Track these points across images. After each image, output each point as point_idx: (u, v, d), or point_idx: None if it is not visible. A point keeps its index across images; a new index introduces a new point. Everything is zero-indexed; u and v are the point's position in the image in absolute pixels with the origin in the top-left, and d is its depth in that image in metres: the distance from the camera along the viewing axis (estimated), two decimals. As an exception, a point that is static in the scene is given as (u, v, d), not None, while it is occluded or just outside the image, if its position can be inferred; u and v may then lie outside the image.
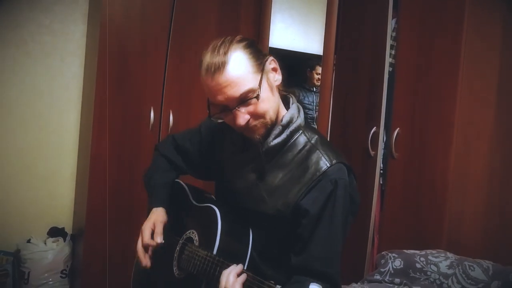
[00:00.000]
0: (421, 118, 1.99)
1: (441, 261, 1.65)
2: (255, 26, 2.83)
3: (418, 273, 1.64)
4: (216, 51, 1.09)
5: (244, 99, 1.09)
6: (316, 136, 1.20)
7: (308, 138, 1.18)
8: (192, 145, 1.42)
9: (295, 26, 3.60)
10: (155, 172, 1.45)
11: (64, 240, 2.68)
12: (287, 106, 1.22)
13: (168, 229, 1.37)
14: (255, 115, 1.11)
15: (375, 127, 2.21)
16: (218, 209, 1.21)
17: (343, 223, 1.13)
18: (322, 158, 1.14)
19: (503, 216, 1.92)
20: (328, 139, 2.45)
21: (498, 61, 1.90)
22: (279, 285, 0.96)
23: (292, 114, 1.19)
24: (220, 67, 1.07)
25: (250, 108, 1.10)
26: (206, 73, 1.09)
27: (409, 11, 2.10)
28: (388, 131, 2.17)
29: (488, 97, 1.91)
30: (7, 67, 2.68)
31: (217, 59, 1.07)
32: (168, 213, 1.36)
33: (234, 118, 1.10)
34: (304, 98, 3.70)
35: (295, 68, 3.73)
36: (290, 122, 1.18)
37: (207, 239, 1.19)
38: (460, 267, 1.59)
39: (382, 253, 1.80)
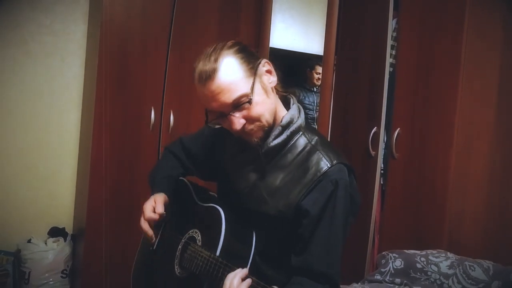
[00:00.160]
0: (422, 118, 1.99)
1: (441, 261, 1.65)
2: (255, 26, 2.83)
3: (418, 273, 1.64)
4: (207, 58, 1.10)
5: (237, 104, 1.10)
6: (316, 137, 1.20)
7: (308, 139, 1.19)
8: (197, 147, 1.43)
9: (295, 26, 3.60)
10: (162, 167, 1.48)
11: (65, 240, 2.68)
12: (287, 107, 1.23)
13: (171, 226, 1.38)
14: (250, 119, 1.12)
15: (375, 127, 2.21)
16: (222, 210, 1.21)
17: (344, 223, 1.14)
18: (323, 158, 1.14)
19: (504, 216, 1.92)
20: (329, 139, 2.45)
21: (498, 61, 1.90)
22: (281, 286, 0.96)
23: (293, 115, 1.19)
24: (211, 75, 1.08)
25: (245, 112, 1.11)
26: (199, 81, 1.11)
27: (409, 11, 2.10)
28: (389, 131, 2.17)
29: (489, 97, 1.91)
30: (7, 67, 2.68)
31: (208, 66, 1.09)
32: (170, 205, 1.36)
33: (230, 123, 1.12)
34: (305, 98, 3.70)
35: (295, 68, 3.73)
36: (290, 122, 1.18)
37: (211, 240, 1.19)
38: (460, 267, 1.59)
39: (383, 253, 1.80)
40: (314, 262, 1.10)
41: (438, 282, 1.59)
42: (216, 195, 1.40)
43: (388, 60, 2.18)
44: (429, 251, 1.72)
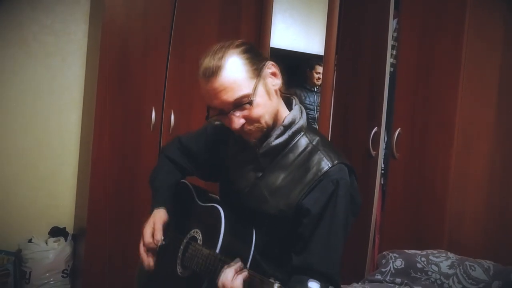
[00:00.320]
0: (422, 118, 2.00)
1: (442, 261, 1.65)
2: (256, 26, 2.83)
3: (419, 273, 1.64)
4: (213, 55, 1.11)
5: (238, 104, 1.10)
6: (318, 138, 1.21)
7: (309, 140, 1.20)
8: (197, 146, 1.43)
9: (296, 26, 3.60)
10: (159, 173, 1.47)
11: (66, 240, 2.69)
12: (289, 108, 1.24)
13: (173, 228, 1.38)
14: (250, 120, 1.13)
15: (376, 127, 2.21)
16: (222, 209, 1.22)
17: (344, 223, 1.14)
18: (324, 159, 1.15)
19: (504, 216, 1.92)
20: (329, 139, 2.45)
21: (498, 62, 1.90)
22: (279, 282, 0.96)
23: (294, 115, 1.20)
24: (215, 72, 1.09)
25: (245, 112, 1.12)
26: (202, 77, 1.11)
27: (410, 11, 2.10)
28: (389, 131, 2.17)
29: (489, 97, 1.91)
30: (8, 67, 2.68)
31: (213, 63, 1.10)
32: (171, 213, 1.37)
33: (229, 122, 1.13)
34: (305, 98, 3.70)
35: (296, 68, 3.73)
36: (292, 123, 1.19)
37: (211, 238, 1.20)
38: (461, 267, 1.60)
39: (383, 253, 1.80)
40: (314, 262, 1.11)
41: (439, 282, 1.60)
42: (217, 196, 1.41)
43: (389, 60, 2.18)
44: (429, 251, 1.72)
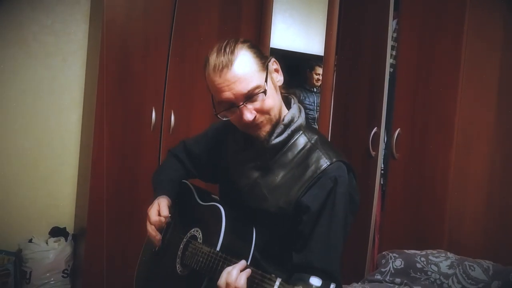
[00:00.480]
0: (422, 119, 2.00)
1: (441, 261, 1.65)
2: (256, 27, 2.84)
3: (418, 273, 1.65)
4: (223, 50, 1.12)
5: (251, 95, 1.12)
6: (316, 136, 1.22)
7: (308, 138, 1.21)
8: (199, 148, 1.45)
9: (295, 26, 3.60)
10: (165, 170, 1.50)
11: (66, 240, 2.69)
12: (288, 107, 1.25)
13: (173, 227, 1.39)
14: (262, 111, 1.14)
15: (376, 128, 2.22)
16: (223, 207, 1.23)
17: (344, 221, 1.15)
18: (322, 156, 1.16)
19: (503, 216, 1.92)
20: (329, 139, 2.45)
21: (498, 62, 1.91)
22: (281, 278, 0.97)
23: (293, 114, 1.21)
24: (227, 64, 1.10)
25: (257, 104, 1.13)
26: (213, 71, 1.12)
27: (410, 12, 2.11)
28: (389, 131, 2.17)
29: (489, 97, 1.91)
30: (8, 67, 2.69)
31: (224, 57, 1.11)
32: (172, 208, 1.38)
33: (241, 114, 1.13)
34: (305, 98, 3.71)
35: (296, 68, 3.73)
36: (291, 121, 1.20)
37: (211, 236, 1.20)
38: (460, 267, 1.60)
39: (383, 253, 1.80)
40: (314, 259, 1.11)
41: (438, 282, 1.60)
42: (217, 197, 1.42)
43: (389, 60, 2.19)
44: (429, 251, 1.72)
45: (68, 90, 2.81)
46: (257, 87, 1.12)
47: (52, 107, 2.79)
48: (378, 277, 1.72)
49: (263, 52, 1.20)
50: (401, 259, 1.71)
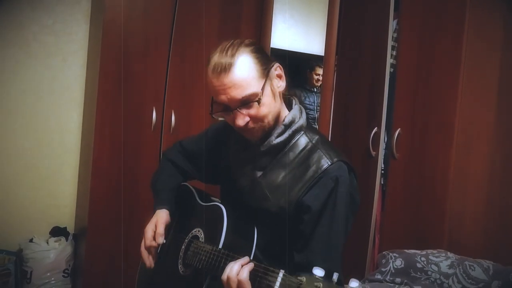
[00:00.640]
0: (422, 119, 2.00)
1: (441, 261, 1.65)
2: (256, 27, 2.84)
3: (419, 273, 1.65)
4: (225, 52, 1.12)
5: (246, 101, 1.12)
6: (317, 137, 1.22)
7: (309, 139, 1.21)
8: (198, 148, 1.45)
9: (296, 26, 3.61)
10: (160, 176, 1.50)
11: (66, 240, 2.70)
12: (289, 108, 1.25)
13: (175, 228, 1.39)
14: (255, 118, 1.15)
15: (376, 128, 2.22)
16: (224, 207, 1.23)
17: (344, 220, 1.15)
18: (323, 156, 1.17)
19: (504, 216, 1.92)
20: (330, 139, 2.45)
21: (498, 62, 1.91)
22: (284, 270, 0.97)
23: (294, 114, 1.22)
24: (226, 68, 1.10)
25: (251, 111, 1.13)
26: (212, 72, 1.12)
27: (410, 12, 2.11)
28: (389, 131, 2.17)
29: (489, 97, 1.91)
30: (9, 67, 2.69)
31: (225, 60, 1.11)
32: (173, 214, 1.39)
33: (234, 118, 1.14)
34: (305, 98, 3.71)
35: (296, 68, 3.73)
36: (292, 122, 1.21)
37: (213, 236, 1.21)
38: (460, 267, 1.60)
39: (383, 252, 1.80)
40: (315, 259, 1.11)
41: (438, 281, 1.60)
42: (218, 198, 1.42)
43: (389, 60, 2.19)
44: (429, 251, 1.72)
45: (68, 90, 2.82)
46: (253, 94, 1.12)
47: (53, 107, 2.79)
48: (379, 276, 1.72)
49: (268, 56, 1.19)
50: (401, 259, 1.71)
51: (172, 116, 2.61)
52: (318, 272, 0.89)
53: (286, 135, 1.19)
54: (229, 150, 1.34)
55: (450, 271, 1.61)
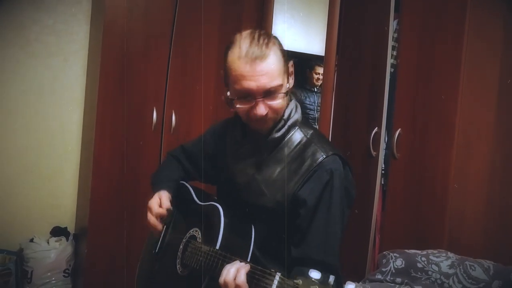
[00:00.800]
0: (423, 119, 2.00)
1: (442, 260, 1.65)
2: (256, 27, 2.83)
3: (419, 273, 1.65)
4: (256, 40, 1.13)
5: (271, 92, 1.13)
6: (312, 131, 1.24)
7: (304, 133, 1.23)
8: (197, 149, 1.47)
9: (296, 26, 3.60)
10: (164, 169, 1.52)
11: (67, 240, 2.70)
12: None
13: (173, 227, 1.39)
14: (273, 110, 1.16)
15: (376, 128, 2.22)
16: (221, 206, 1.23)
17: (341, 213, 1.16)
18: (318, 150, 1.18)
19: (504, 216, 1.92)
20: (330, 139, 2.45)
21: (499, 62, 1.91)
22: (281, 273, 0.97)
23: (291, 109, 1.24)
24: (260, 56, 1.11)
25: (273, 102, 1.15)
26: (243, 58, 1.11)
27: (410, 12, 2.11)
28: (390, 131, 2.17)
29: (489, 97, 1.91)
30: (9, 67, 2.70)
31: (259, 48, 1.12)
32: (172, 204, 1.39)
33: (255, 107, 1.14)
34: (306, 98, 3.71)
35: (296, 68, 3.73)
36: (289, 116, 1.23)
37: (210, 236, 1.21)
38: (461, 267, 1.60)
39: (384, 252, 1.81)
40: (313, 252, 1.12)
41: (439, 281, 1.60)
42: (215, 197, 1.42)
43: (389, 60, 2.19)
44: (429, 251, 1.72)
45: (69, 90, 2.82)
46: (279, 86, 1.14)
47: (53, 107, 2.79)
48: (379, 276, 1.72)
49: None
50: (401, 259, 1.71)
51: (172, 116, 2.62)
52: (315, 274, 0.90)
53: (283, 130, 1.21)
54: (226, 149, 1.35)
55: (451, 271, 1.61)
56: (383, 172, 2.24)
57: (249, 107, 1.15)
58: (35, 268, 2.55)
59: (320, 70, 3.54)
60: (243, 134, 1.28)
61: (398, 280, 1.67)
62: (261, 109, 1.14)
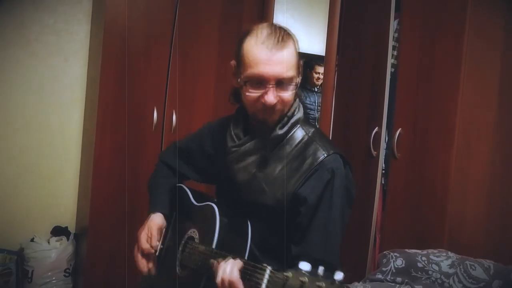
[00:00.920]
0: (423, 119, 2.00)
1: (442, 260, 1.65)
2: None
3: (419, 272, 1.65)
4: (276, 29, 1.15)
5: (285, 82, 1.14)
6: (313, 129, 1.24)
7: (305, 132, 1.23)
8: (194, 146, 1.45)
9: (297, 26, 3.60)
10: (155, 179, 1.50)
11: (68, 239, 2.70)
12: None
13: (172, 230, 1.39)
14: (283, 101, 1.16)
15: (377, 127, 2.22)
16: (217, 206, 1.24)
17: (341, 212, 1.16)
18: (320, 148, 1.18)
19: (504, 216, 1.92)
20: (330, 139, 2.45)
21: (499, 62, 1.91)
22: (271, 267, 0.97)
23: (295, 108, 1.23)
24: (281, 44, 1.12)
25: (284, 93, 1.15)
26: (262, 44, 1.12)
27: (411, 12, 2.11)
28: (390, 131, 2.18)
29: (490, 97, 1.91)
30: (10, 67, 2.69)
31: (278, 38, 1.13)
32: (169, 216, 1.39)
33: (266, 94, 1.13)
34: (306, 98, 3.71)
35: (297, 68, 3.73)
36: (292, 114, 1.22)
37: (207, 236, 1.22)
38: (461, 267, 1.60)
39: (384, 252, 1.81)
40: (313, 250, 1.12)
41: (439, 281, 1.60)
42: (213, 197, 1.42)
43: (390, 60, 2.19)
44: (430, 251, 1.72)
45: (69, 90, 2.82)
46: (293, 77, 1.15)
47: (54, 107, 2.79)
48: (380, 276, 1.72)
49: None
50: (402, 259, 1.71)
51: (173, 116, 2.62)
52: (304, 266, 0.90)
53: (286, 127, 1.21)
54: (225, 147, 1.34)
55: (451, 271, 1.61)
56: (383, 172, 2.24)
57: (259, 95, 1.14)
58: (35, 268, 2.55)
59: (320, 69, 3.55)
60: (245, 131, 1.27)
61: (399, 279, 1.68)
62: (271, 97, 1.13)
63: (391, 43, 2.19)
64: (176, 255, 1.32)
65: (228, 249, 1.13)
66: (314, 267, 0.90)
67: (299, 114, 1.23)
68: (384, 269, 1.73)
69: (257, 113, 1.19)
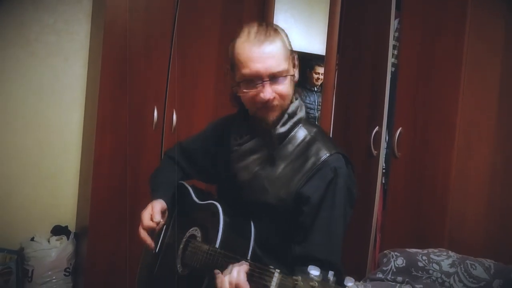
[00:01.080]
0: (423, 118, 2.00)
1: (443, 259, 1.65)
2: (257, 26, 2.84)
3: (420, 272, 1.65)
4: (263, 26, 1.16)
5: (278, 75, 1.15)
6: (315, 129, 1.25)
7: (308, 131, 1.23)
8: (197, 145, 1.46)
9: (297, 26, 3.61)
10: (161, 172, 1.51)
11: (68, 239, 2.70)
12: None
13: (172, 227, 1.39)
14: (280, 95, 1.17)
15: (377, 127, 2.22)
16: (220, 205, 1.23)
17: (343, 212, 1.16)
18: (322, 148, 1.19)
19: (504, 216, 1.92)
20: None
21: (499, 62, 1.91)
22: (279, 270, 0.97)
23: (296, 106, 1.24)
24: (269, 39, 1.14)
25: (278, 87, 1.16)
26: (253, 39, 1.14)
27: (411, 11, 2.11)
28: (391, 130, 2.18)
29: (490, 97, 1.91)
30: (10, 67, 2.70)
31: (267, 32, 1.15)
32: (170, 208, 1.39)
33: (262, 90, 1.14)
34: (306, 98, 3.72)
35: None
36: (294, 113, 1.23)
37: (210, 234, 1.21)
38: (462, 266, 1.60)
39: (384, 252, 1.80)
40: (315, 250, 1.12)
41: (440, 280, 1.60)
42: (215, 195, 1.42)
43: (390, 59, 2.19)
44: (430, 250, 1.72)
45: (70, 90, 2.82)
46: (285, 70, 1.15)
47: (54, 107, 2.79)
48: (380, 275, 1.72)
49: None
50: (402, 258, 1.71)
51: (173, 115, 2.62)
52: (314, 271, 0.89)
53: (288, 125, 1.21)
54: (228, 146, 1.34)
55: (452, 270, 1.61)
56: (384, 171, 2.24)
57: (255, 93, 1.15)
58: (35, 267, 2.55)
59: (319, 70, 3.55)
60: (247, 131, 1.27)
61: (399, 279, 1.67)
62: (268, 92, 1.14)
63: (391, 42, 2.19)
64: (177, 253, 1.32)
65: (231, 249, 1.13)
66: (323, 272, 0.89)
67: (301, 114, 1.23)
68: (384, 268, 1.73)
69: (257, 112, 1.19)
